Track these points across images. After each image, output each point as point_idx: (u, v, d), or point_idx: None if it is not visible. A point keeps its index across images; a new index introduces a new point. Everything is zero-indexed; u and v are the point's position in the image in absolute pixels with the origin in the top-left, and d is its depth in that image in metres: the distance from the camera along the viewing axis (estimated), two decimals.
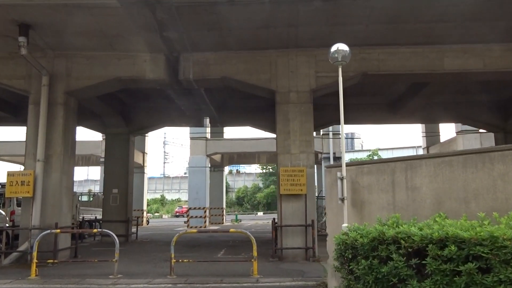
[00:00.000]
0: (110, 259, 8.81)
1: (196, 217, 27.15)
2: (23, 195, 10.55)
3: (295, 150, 10.97)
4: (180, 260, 8.58)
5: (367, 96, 16.26)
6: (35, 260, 8.26)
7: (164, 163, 75.97)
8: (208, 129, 28.58)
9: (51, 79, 11.12)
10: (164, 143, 73.40)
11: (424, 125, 30.50)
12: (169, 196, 69.08)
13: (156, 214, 56.33)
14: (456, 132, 27.41)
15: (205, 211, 27.28)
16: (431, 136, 31.94)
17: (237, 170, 70.88)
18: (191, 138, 27.66)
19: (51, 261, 9.64)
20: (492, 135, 26.76)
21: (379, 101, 16.60)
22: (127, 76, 11.38)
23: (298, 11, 9.50)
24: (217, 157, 31.11)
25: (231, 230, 8.61)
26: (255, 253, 8.20)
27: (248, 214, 52.99)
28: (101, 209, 22.31)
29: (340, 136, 17.65)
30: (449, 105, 16.50)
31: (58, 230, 8.49)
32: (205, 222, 27.26)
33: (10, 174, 10.57)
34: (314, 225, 10.58)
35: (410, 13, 9.62)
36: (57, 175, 10.92)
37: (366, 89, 15.56)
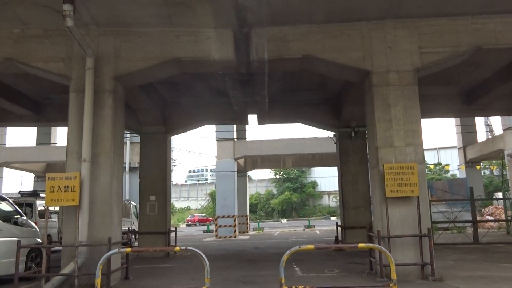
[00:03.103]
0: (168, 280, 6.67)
1: (225, 226, 25.07)
2: (68, 204, 8.43)
3: (400, 142, 8.91)
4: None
5: (439, 86, 14.29)
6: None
7: (172, 170, 73.77)
8: (234, 132, 26.65)
9: (97, 61, 9.07)
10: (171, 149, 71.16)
11: (459, 122, 28.64)
12: (177, 205, 66.89)
13: None
14: (503, 129, 25.49)
15: (234, 220, 25.18)
16: (469, 133, 30.01)
17: (248, 176, 68.74)
18: (218, 140, 25.63)
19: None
20: None
21: (453, 91, 14.65)
22: (188, 56, 9.34)
23: None
24: (241, 162, 29.10)
25: (361, 245, 6.46)
26: (393, 275, 6.12)
27: (270, 221, 50.68)
28: (130, 219, 20.28)
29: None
30: None
31: (129, 249, 6.40)
32: (234, 231, 25.15)
33: (50, 178, 8.46)
34: (430, 235, 8.49)
35: None
36: (106, 178, 8.83)
37: (441, 77, 13.57)
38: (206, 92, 14.62)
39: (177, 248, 6.41)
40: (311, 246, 6.31)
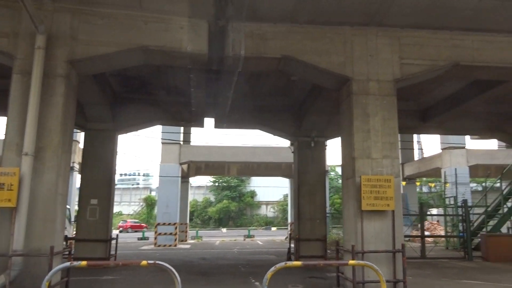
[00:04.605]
0: None
1: (165, 234, 23.68)
2: (2, 205, 7.04)
3: (377, 154, 8.59)
4: None
5: (399, 101, 14.36)
6: None
7: None
8: (181, 134, 25.48)
9: (49, 41, 7.80)
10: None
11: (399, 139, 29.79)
12: None
13: None
14: (441, 148, 26.79)
15: (176, 227, 23.88)
16: (408, 149, 31.31)
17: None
18: (163, 143, 24.28)
19: None
20: (480, 151, 26.65)
21: (412, 107, 14.85)
22: (156, 45, 8.35)
23: None
24: (184, 167, 27.90)
25: (351, 262, 5.88)
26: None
27: (207, 230, 49.25)
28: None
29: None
30: (480, 115, 15.17)
31: (84, 263, 5.28)
32: (175, 240, 23.85)
33: None
34: (404, 251, 8.19)
35: None
36: (52, 177, 7.54)
37: (402, 92, 13.67)
38: (163, 90, 13.55)
39: (144, 262, 5.42)
40: (298, 263, 5.62)
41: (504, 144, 26.68)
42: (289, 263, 5.68)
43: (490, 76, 10.28)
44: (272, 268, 5.64)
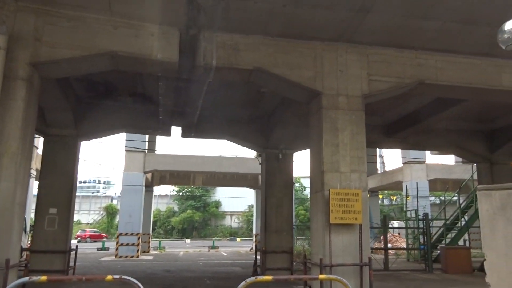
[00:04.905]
0: None
1: (127, 244, 23.00)
2: None
3: (345, 168, 8.69)
4: None
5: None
6: None
7: None
8: (146, 143, 24.96)
9: (11, 42, 7.43)
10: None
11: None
12: None
13: None
14: (403, 162, 27.59)
15: (138, 238, 23.24)
16: (371, 163, 32.02)
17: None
18: (127, 151, 23.68)
19: None
20: (438, 165, 27.65)
21: (377, 122, 15.20)
22: (125, 51, 8.13)
23: None
24: (148, 176, 27.33)
25: (321, 276, 5.86)
26: None
27: (170, 240, 48.15)
28: None
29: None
30: (441, 131, 15.74)
31: (45, 277, 4.96)
32: (137, 251, 23.19)
33: None
34: (371, 264, 8.29)
35: (486, 13, 8.09)
36: (9, 185, 7.13)
37: (367, 106, 14.00)
38: (129, 96, 13.24)
39: (110, 277, 5.19)
40: (269, 277, 5.54)
41: (460, 159, 27.85)
42: (260, 278, 5.60)
43: (451, 95, 10.70)
44: (243, 283, 5.54)
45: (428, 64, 9.45)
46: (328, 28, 8.67)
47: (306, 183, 51.29)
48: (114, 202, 62.45)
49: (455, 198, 24.92)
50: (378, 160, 43.73)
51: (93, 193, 77.30)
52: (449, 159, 34.02)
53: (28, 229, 19.72)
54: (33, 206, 17.36)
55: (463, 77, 9.57)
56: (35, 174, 21.40)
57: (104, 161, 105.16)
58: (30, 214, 24.43)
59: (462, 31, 8.75)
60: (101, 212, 60.98)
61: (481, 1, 7.71)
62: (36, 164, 19.94)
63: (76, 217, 63.83)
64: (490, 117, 15.36)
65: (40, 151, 16.49)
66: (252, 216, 42.91)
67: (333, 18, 8.32)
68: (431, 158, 37.83)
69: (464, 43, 9.22)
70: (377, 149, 39.48)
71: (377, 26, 8.55)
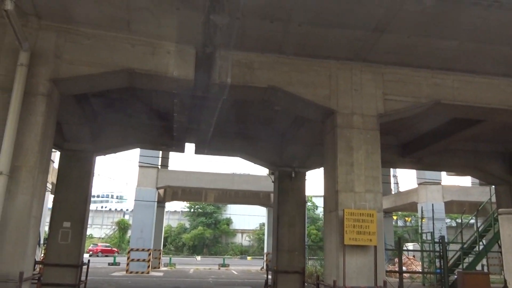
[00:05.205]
0: None
1: (138, 260, 22.99)
2: None
3: (360, 187, 8.59)
4: None
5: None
6: None
7: None
8: (159, 159, 25.14)
9: (32, 58, 7.62)
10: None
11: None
12: None
13: None
14: (418, 183, 27.18)
15: (149, 254, 23.21)
16: (385, 183, 31.60)
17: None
18: (141, 166, 23.88)
19: None
20: (455, 187, 27.16)
21: (391, 141, 15.06)
22: (142, 69, 8.27)
23: (399, 10, 7.47)
24: (160, 191, 27.44)
25: None
26: None
27: (181, 257, 47.88)
28: None
29: None
30: (458, 152, 15.51)
31: None
32: (148, 267, 23.13)
33: None
34: (386, 287, 8.10)
35: (505, 33, 8.03)
36: (26, 198, 7.22)
37: (382, 126, 13.91)
38: (144, 113, 13.38)
39: None
40: None
41: (477, 181, 27.33)
42: None
43: (468, 115, 10.56)
44: None
45: (445, 84, 9.38)
46: (343, 47, 8.70)
47: (318, 202, 50.89)
48: (127, 217, 62.60)
49: (472, 221, 24.34)
50: (392, 180, 43.29)
51: (105, 207, 77.68)
52: (466, 181, 33.38)
53: (42, 242, 19.83)
54: (47, 219, 17.52)
55: (481, 98, 9.46)
56: (50, 188, 21.67)
57: (117, 176, 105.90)
58: (44, 227, 24.65)
59: (480, 50, 8.69)
60: (113, 227, 61.18)
61: (499, 22, 7.66)
62: (52, 178, 20.20)
63: (88, 231, 64.04)
64: (509, 138, 15.07)
65: (56, 165, 16.72)
66: (263, 234, 42.57)
67: (347, 37, 8.36)
68: (447, 179, 37.20)
69: (482, 63, 9.14)
70: (391, 169, 39.16)
71: (392, 45, 8.55)
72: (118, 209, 76.43)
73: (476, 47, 8.54)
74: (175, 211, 62.99)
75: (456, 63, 9.16)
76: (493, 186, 17.28)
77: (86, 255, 44.37)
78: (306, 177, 15.52)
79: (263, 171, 26.78)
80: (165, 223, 59.39)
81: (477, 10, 7.36)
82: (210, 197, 31.95)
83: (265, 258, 30.74)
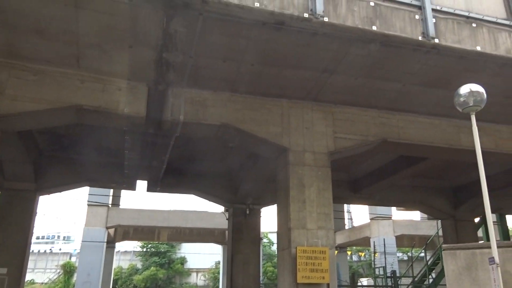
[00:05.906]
0: None
1: None
2: None
3: (312, 224, 8.62)
4: None
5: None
6: None
7: None
8: (110, 197, 24.21)
9: None
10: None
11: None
12: None
13: None
14: (370, 218, 27.77)
15: None
16: (339, 219, 32.01)
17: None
18: (90, 205, 22.83)
19: None
20: (405, 221, 27.90)
21: (343, 178, 15.40)
22: (91, 105, 8.06)
23: (346, 54, 7.84)
24: (110, 231, 26.24)
25: None
26: None
27: None
28: None
29: None
30: (406, 188, 16.08)
31: None
32: None
33: None
34: None
35: (444, 77, 8.63)
36: None
37: (332, 165, 14.26)
38: (94, 150, 12.90)
39: None
40: None
41: (425, 215, 28.35)
42: None
43: (413, 153, 11.06)
44: None
45: (390, 123, 9.81)
46: (295, 86, 8.95)
47: (275, 238, 50.54)
48: (73, 259, 59.02)
49: (422, 254, 25.03)
50: (346, 215, 44.01)
51: (51, 249, 73.03)
52: (415, 215, 34.52)
53: None
54: None
55: (424, 136, 9.96)
56: None
57: (65, 216, 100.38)
58: None
59: (421, 93, 9.23)
60: (58, 271, 57.31)
61: (438, 67, 8.22)
62: None
63: (30, 276, 59.71)
64: (452, 175, 15.86)
65: None
66: (218, 273, 41.41)
67: (299, 78, 8.62)
68: (398, 214, 38.38)
69: (424, 104, 9.69)
70: (345, 205, 39.88)
71: (341, 86, 8.90)
72: (65, 250, 72.08)
73: (418, 89, 9.08)
74: (126, 251, 60.22)
75: (400, 103, 9.66)
76: (439, 220, 17.95)
77: None
78: (262, 214, 15.44)
79: (218, 207, 26.53)
80: (115, 264, 56.48)
81: (417, 55, 7.88)
82: (163, 236, 30.85)
83: None
